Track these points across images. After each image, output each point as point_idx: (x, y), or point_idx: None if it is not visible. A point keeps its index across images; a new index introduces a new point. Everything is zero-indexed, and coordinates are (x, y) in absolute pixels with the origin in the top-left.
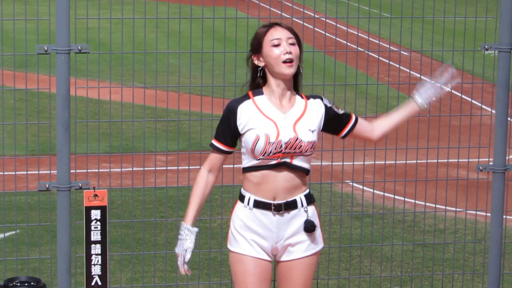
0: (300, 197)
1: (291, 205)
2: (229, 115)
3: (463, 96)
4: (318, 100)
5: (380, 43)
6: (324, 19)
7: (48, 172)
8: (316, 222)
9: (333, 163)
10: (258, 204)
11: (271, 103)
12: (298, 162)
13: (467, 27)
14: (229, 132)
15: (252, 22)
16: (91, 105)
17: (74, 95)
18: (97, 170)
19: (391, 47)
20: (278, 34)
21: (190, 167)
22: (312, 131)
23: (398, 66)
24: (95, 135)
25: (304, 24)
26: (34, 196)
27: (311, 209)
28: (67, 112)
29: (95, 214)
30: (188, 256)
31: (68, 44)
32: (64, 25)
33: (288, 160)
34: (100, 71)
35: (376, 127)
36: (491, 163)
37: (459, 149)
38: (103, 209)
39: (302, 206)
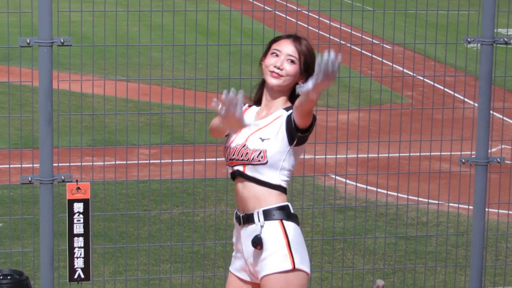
0: (258, 211)
1: (249, 219)
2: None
3: (445, 89)
4: (286, 112)
5: (363, 36)
6: (307, 13)
7: (31, 165)
8: (279, 240)
9: (316, 156)
10: (235, 217)
11: (255, 111)
12: (250, 172)
13: (449, 20)
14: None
15: (235, 15)
16: (74, 98)
17: (56, 88)
18: (80, 164)
19: (373, 41)
20: (283, 47)
21: (173, 161)
22: (262, 140)
23: (380, 59)
24: (77, 128)
25: (287, 17)
26: (17, 189)
27: (272, 225)
28: (49, 105)
29: (78, 207)
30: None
31: (50, 37)
32: (46, 18)
33: (240, 168)
34: (82, 64)
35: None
36: (473, 156)
37: (441, 142)
38: (86, 202)
39: (259, 221)
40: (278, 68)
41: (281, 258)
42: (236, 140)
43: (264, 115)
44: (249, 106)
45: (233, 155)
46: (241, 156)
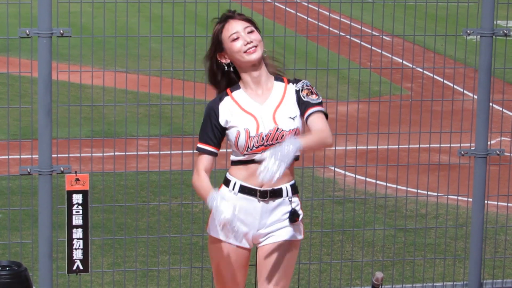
0: (286, 186)
1: (276, 193)
2: (211, 115)
3: (445, 81)
4: (293, 85)
5: (362, 28)
6: (306, 4)
7: (30, 156)
8: (300, 213)
9: None
10: (243, 190)
11: (248, 96)
12: None
13: (449, 12)
14: (213, 132)
15: (235, 6)
16: (73, 89)
17: (56, 79)
18: (79, 155)
19: (373, 32)
20: (233, 27)
21: (172, 152)
22: (293, 118)
23: (380, 51)
24: (77, 119)
25: (286, 8)
26: (16, 180)
27: (296, 200)
28: (48, 96)
29: (77, 198)
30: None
31: (50, 28)
32: (46, 8)
33: None
34: (82, 55)
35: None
36: (473, 148)
37: (441, 134)
38: (84, 193)
39: (287, 195)
40: (250, 43)
41: (300, 229)
42: (262, 127)
43: (262, 93)
44: (230, 91)
45: (267, 141)
46: (277, 140)
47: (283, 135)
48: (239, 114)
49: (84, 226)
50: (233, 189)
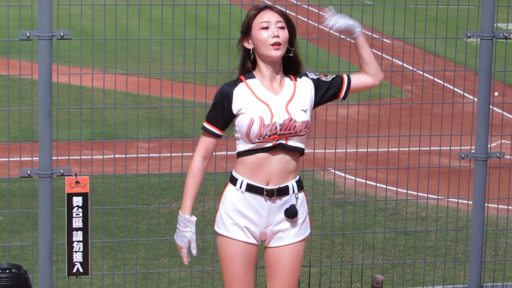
0: (292, 183)
1: (283, 191)
2: (223, 99)
3: (445, 84)
4: (304, 78)
5: (363, 30)
6: (306, 7)
7: (30, 158)
8: (305, 208)
9: (315, 151)
10: (250, 188)
11: (263, 86)
12: (293, 143)
13: (449, 14)
14: (222, 116)
15: (235, 9)
16: (73, 91)
17: (56, 82)
18: (79, 157)
19: (373, 35)
20: (267, 17)
21: (172, 154)
22: (305, 111)
23: (380, 53)
24: (77, 122)
25: (287, 11)
26: (16, 183)
27: (301, 196)
28: (49, 98)
29: (77, 201)
30: (194, 246)
31: (50, 30)
32: (46, 11)
33: (283, 141)
34: (82, 57)
35: (365, 72)
36: (473, 151)
37: (441, 137)
38: (85, 196)
39: (294, 192)
40: (276, 37)
41: (307, 225)
42: (277, 117)
43: (276, 86)
44: (244, 79)
45: (280, 130)
46: (289, 130)
47: (295, 126)
48: (253, 102)
49: (84, 229)
50: (240, 187)
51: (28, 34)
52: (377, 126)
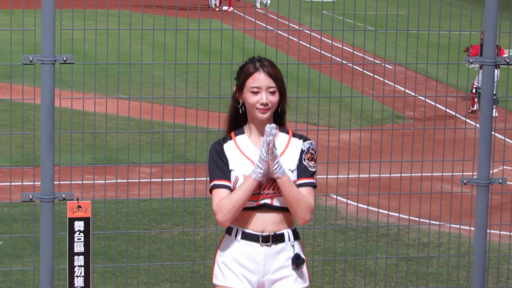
0: (287, 231)
1: (278, 238)
2: (219, 156)
3: (447, 109)
4: (300, 141)
5: (365, 56)
6: (309, 32)
7: (32, 183)
8: (304, 257)
9: (317, 176)
10: (246, 236)
11: (251, 142)
12: (279, 203)
13: (451, 40)
14: (225, 169)
15: (237, 34)
16: (76, 116)
17: (58, 106)
18: (80, 182)
19: (375, 61)
20: (259, 82)
21: (174, 179)
22: (292, 171)
23: (382, 79)
24: (79, 146)
25: (289, 36)
26: (18, 207)
27: (297, 244)
28: (51, 123)
29: (79, 225)
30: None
31: (53, 55)
32: (49, 35)
33: (268, 201)
34: (85, 82)
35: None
36: (475, 177)
37: (443, 163)
38: (86, 220)
39: (289, 240)
40: (265, 105)
41: (305, 275)
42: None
43: None
44: (234, 136)
45: (264, 190)
46: (273, 190)
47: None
48: (240, 159)
49: (86, 254)
50: (236, 236)
51: (31, 58)
52: (379, 151)
